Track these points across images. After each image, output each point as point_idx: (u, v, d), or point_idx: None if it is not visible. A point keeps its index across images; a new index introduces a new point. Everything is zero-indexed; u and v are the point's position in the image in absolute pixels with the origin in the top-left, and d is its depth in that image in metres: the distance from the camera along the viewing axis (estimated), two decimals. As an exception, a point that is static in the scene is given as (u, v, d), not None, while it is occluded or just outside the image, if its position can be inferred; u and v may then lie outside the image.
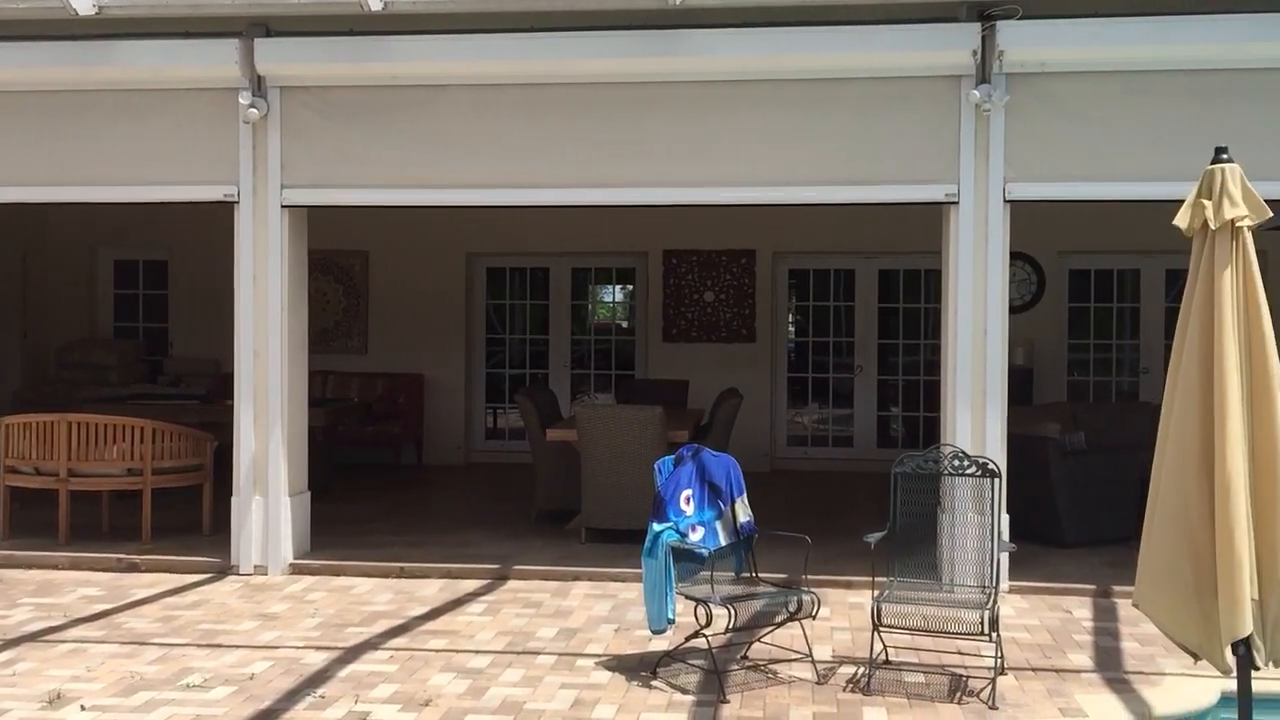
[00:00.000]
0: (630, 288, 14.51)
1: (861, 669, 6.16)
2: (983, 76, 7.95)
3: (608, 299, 15.17)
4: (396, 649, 6.65)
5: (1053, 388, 13.31)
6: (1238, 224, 4.08)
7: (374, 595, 7.86)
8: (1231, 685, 5.76)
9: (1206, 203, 4.13)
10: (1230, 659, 4.02)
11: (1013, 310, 13.23)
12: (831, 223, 12.33)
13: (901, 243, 12.38)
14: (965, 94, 7.99)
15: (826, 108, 8.22)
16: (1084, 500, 9.10)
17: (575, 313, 14.48)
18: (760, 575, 6.62)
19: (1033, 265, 13.29)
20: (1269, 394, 3.99)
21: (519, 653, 6.57)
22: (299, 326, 8.84)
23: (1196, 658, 4.14)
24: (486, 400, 14.39)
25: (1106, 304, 13.59)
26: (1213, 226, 4.10)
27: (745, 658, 6.46)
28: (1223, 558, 3.91)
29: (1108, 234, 12.18)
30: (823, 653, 6.55)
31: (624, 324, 14.66)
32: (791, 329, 14.35)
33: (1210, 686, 5.68)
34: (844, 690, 5.95)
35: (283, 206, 8.51)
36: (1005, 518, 7.85)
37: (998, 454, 7.93)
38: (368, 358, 13.88)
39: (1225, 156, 4.21)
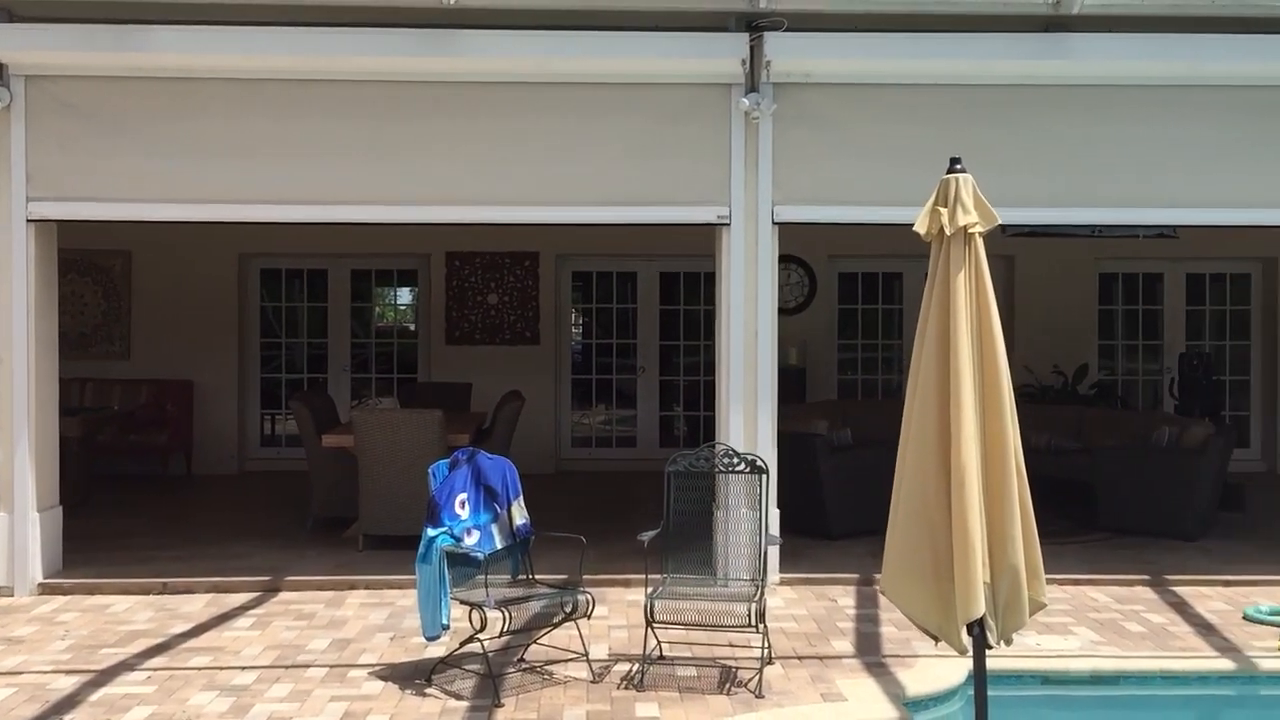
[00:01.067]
0: (414, 289, 14.27)
1: (636, 665, 6.26)
2: (751, 85, 8.21)
3: (390, 301, 14.88)
4: (155, 669, 6.33)
5: (824, 386, 13.86)
6: (970, 230, 4.36)
7: (133, 614, 7.45)
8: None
9: (942, 210, 4.40)
10: (966, 639, 4.28)
11: (786, 312, 13.79)
12: (614, 226, 12.45)
13: (682, 246, 12.60)
14: (735, 102, 8.23)
15: (605, 114, 8.30)
16: (849, 494, 9.51)
17: (358, 315, 14.14)
18: (537, 577, 6.63)
19: (805, 269, 13.80)
20: (998, 391, 4.28)
21: (288, 667, 6.36)
22: (49, 332, 8.30)
23: (937, 640, 4.40)
24: (262, 406, 13.86)
25: (873, 305, 14.25)
26: (948, 232, 4.36)
27: (522, 660, 6.45)
28: (958, 544, 4.16)
29: (873, 239, 12.74)
30: (600, 651, 6.62)
31: (410, 326, 14.42)
32: (577, 331, 14.44)
33: (959, 666, 6.03)
34: (619, 687, 6.03)
35: (28, 220, 7.99)
36: (775, 513, 8.15)
37: (768, 451, 8.20)
38: (131, 363, 13.14)
39: (959, 167, 4.49)
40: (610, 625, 7.19)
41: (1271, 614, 7.34)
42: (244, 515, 10.75)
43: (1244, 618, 7.34)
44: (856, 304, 14.22)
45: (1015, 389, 13.11)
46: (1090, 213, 8.68)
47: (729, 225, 8.26)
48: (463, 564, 6.27)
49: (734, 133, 8.27)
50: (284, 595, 7.90)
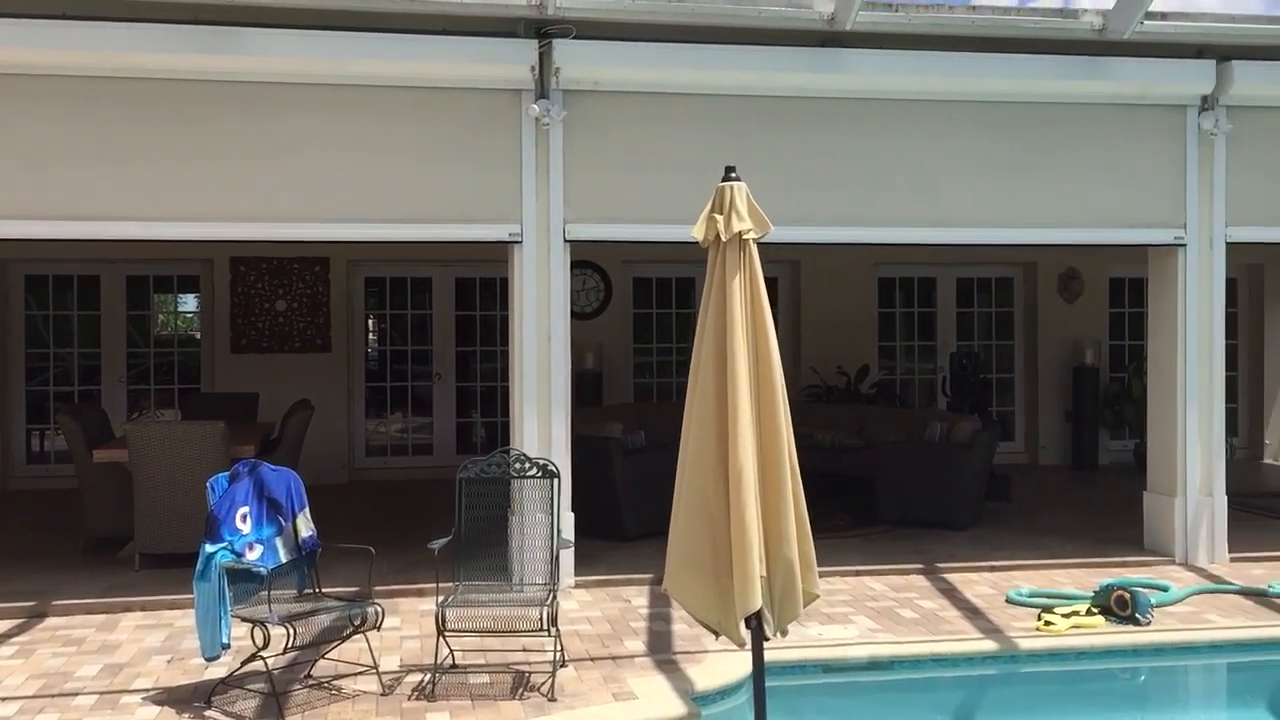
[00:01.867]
0: (197, 296, 13.69)
1: (428, 675, 6.19)
2: (542, 92, 8.25)
3: (171, 309, 14.23)
4: (-99, 706, 5.86)
5: (621, 389, 14.04)
6: (745, 236, 4.51)
7: (-123, 648, 6.88)
8: (767, 656, 6.40)
9: (718, 217, 4.53)
10: (744, 633, 4.43)
11: (582, 317, 13.94)
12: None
13: (478, 252, 12.54)
14: (526, 109, 8.25)
15: (397, 119, 8.17)
16: (644, 495, 9.65)
17: (136, 323, 13.46)
18: (326, 590, 6.47)
19: (600, 274, 13.95)
20: (773, 392, 4.44)
21: (54, 695, 6.00)
22: None
23: (718, 634, 4.52)
24: (28, 421, 13.04)
25: (667, 310, 14.52)
26: (724, 239, 4.50)
27: (309, 676, 6.28)
28: (736, 540, 4.30)
29: (667, 246, 13.01)
30: (391, 663, 6.51)
31: (195, 335, 13.81)
32: (373, 338, 14.16)
33: (746, 659, 6.12)
34: (409, 699, 5.95)
35: None
36: (569, 516, 8.21)
37: (562, 455, 8.26)
38: (-124, 377, 12.16)
39: (734, 175, 4.64)
40: (403, 636, 7.08)
41: (1031, 596, 7.86)
42: (6, 537, 10.05)
43: (1007, 600, 7.84)
44: (651, 308, 14.46)
45: (802, 389, 13.68)
46: (872, 232, 8.96)
47: (520, 243, 8.28)
48: (245, 580, 6.06)
49: (525, 141, 8.28)
50: (51, 621, 7.45)
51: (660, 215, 8.34)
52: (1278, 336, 15.51)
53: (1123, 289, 14.80)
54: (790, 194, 8.49)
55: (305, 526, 6.45)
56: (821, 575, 8.32)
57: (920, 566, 8.79)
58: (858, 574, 8.61)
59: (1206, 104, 8.95)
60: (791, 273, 14.35)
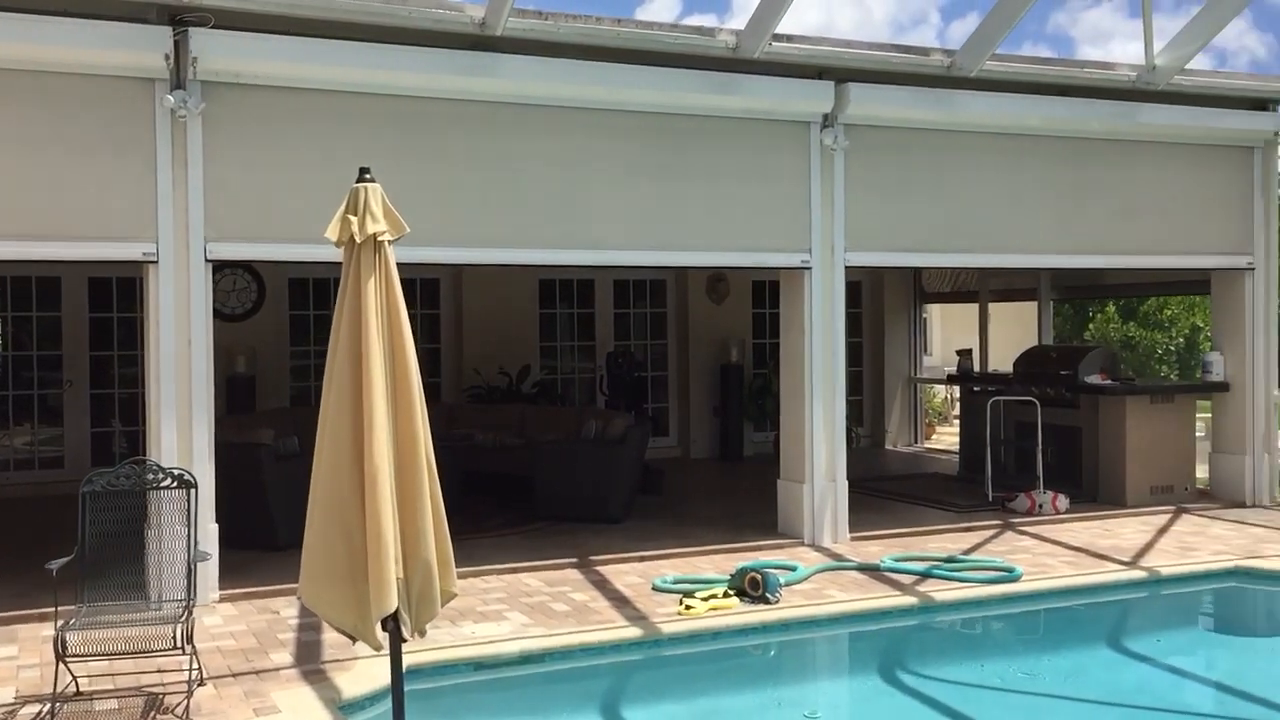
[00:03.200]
0: None
1: (46, 706, 5.73)
2: (178, 82, 7.84)
3: None
4: None
5: (276, 393, 13.54)
6: (379, 238, 4.49)
7: None
8: (418, 658, 6.40)
9: (353, 218, 4.49)
10: (382, 635, 4.41)
11: (233, 319, 13.34)
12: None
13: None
14: (160, 99, 7.81)
15: (14, 106, 7.52)
16: (298, 502, 9.28)
17: None
18: (-76, 622, 5.86)
19: (252, 274, 13.40)
20: (409, 393, 4.44)
21: None
22: None
23: (355, 640, 4.48)
24: None
25: (324, 311, 14.13)
26: (358, 240, 4.47)
27: (-96, 718, 5.67)
28: (371, 543, 4.28)
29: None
30: (6, 695, 5.99)
31: None
32: (-5, 340, 12.93)
33: (396, 662, 6.17)
34: (24, 733, 5.50)
35: None
36: (213, 528, 7.87)
37: (205, 464, 7.89)
38: None
39: (369, 176, 4.61)
40: (20, 665, 6.52)
41: (675, 582, 8.29)
42: None
43: (653, 588, 8.22)
44: (309, 309, 14.04)
45: (464, 390, 13.72)
46: (519, 254, 9.14)
47: (157, 263, 7.84)
48: None
49: (160, 135, 7.84)
50: None
51: (310, 221, 8.09)
52: (897, 336, 17.14)
53: (764, 291, 15.84)
54: (439, 199, 8.53)
55: (-102, 552, 5.81)
56: (478, 574, 8.54)
57: (575, 560, 9.06)
58: (514, 571, 8.76)
59: (827, 121, 9.76)
60: (453, 274, 14.36)
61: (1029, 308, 16.46)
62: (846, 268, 9.93)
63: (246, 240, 8.15)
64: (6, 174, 7.52)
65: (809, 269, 9.78)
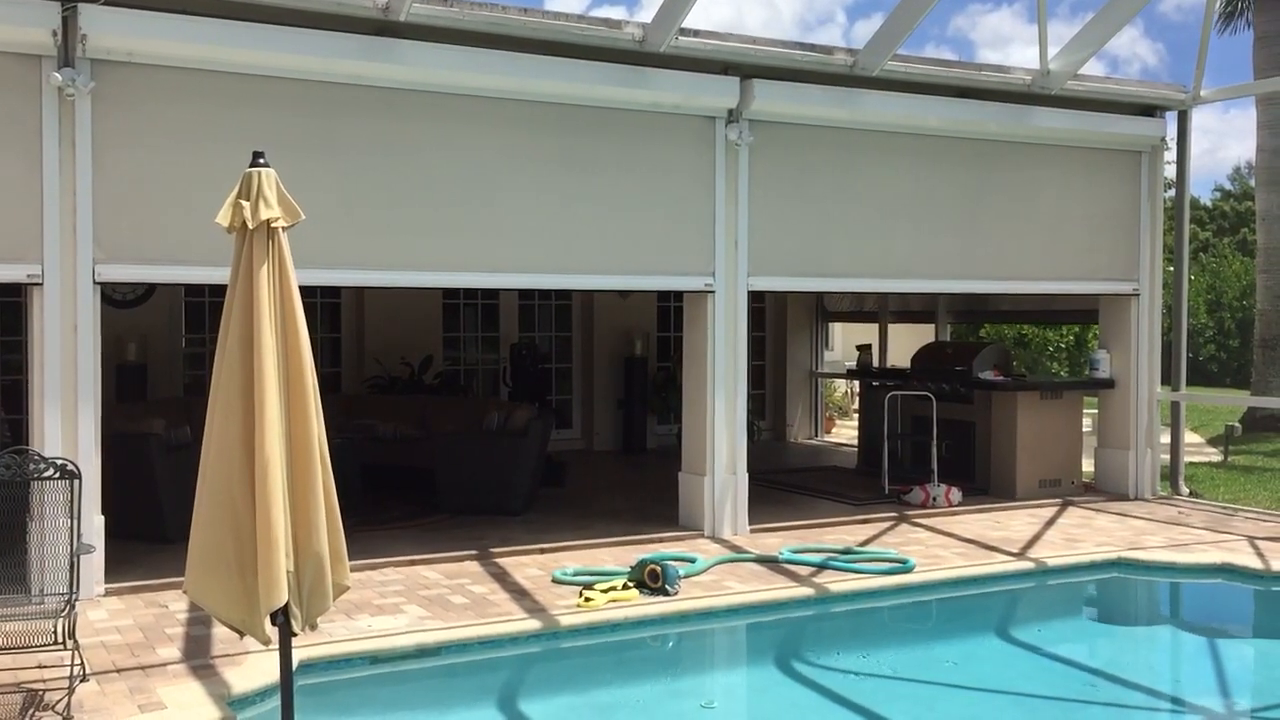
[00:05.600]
0: None
1: (-83, 705, 5.52)
2: (66, 60, 7.58)
3: None
4: None
5: (168, 383, 13.20)
6: (273, 224, 4.40)
7: None
8: (311, 652, 6.30)
9: (245, 204, 4.39)
10: (271, 630, 4.33)
11: (124, 305, 12.96)
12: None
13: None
14: (47, 76, 7.55)
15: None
16: (188, 494, 9.08)
17: None
18: None
19: (145, 259, 13.01)
20: (302, 383, 4.36)
21: None
22: None
23: (243, 634, 4.39)
24: None
25: (220, 298, 13.79)
26: (250, 226, 4.37)
27: None
28: (261, 534, 4.19)
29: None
30: (-127, 695, 5.74)
31: None
32: None
33: (288, 657, 6.06)
34: (-108, 733, 5.28)
35: None
36: (99, 520, 7.65)
37: (91, 454, 7.65)
38: None
39: (262, 161, 4.50)
40: (-111, 664, 6.26)
41: (576, 575, 8.29)
42: None
43: (553, 580, 8.21)
44: (204, 296, 13.69)
45: (365, 380, 13.51)
46: (416, 276, 9.04)
47: (41, 285, 7.58)
48: None
49: (46, 113, 7.58)
50: None
51: (204, 210, 7.89)
52: (799, 332, 17.36)
53: (669, 285, 15.88)
54: (336, 184, 8.39)
55: None
56: (376, 567, 8.43)
57: (475, 553, 9.00)
58: (413, 563, 8.67)
59: (732, 116, 9.83)
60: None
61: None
62: (750, 292, 10.05)
63: (134, 260, 7.93)
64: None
65: (712, 292, 9.87)
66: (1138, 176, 12.08)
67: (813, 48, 10.24)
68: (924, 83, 10.64)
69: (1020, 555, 9.30)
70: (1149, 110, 12.04)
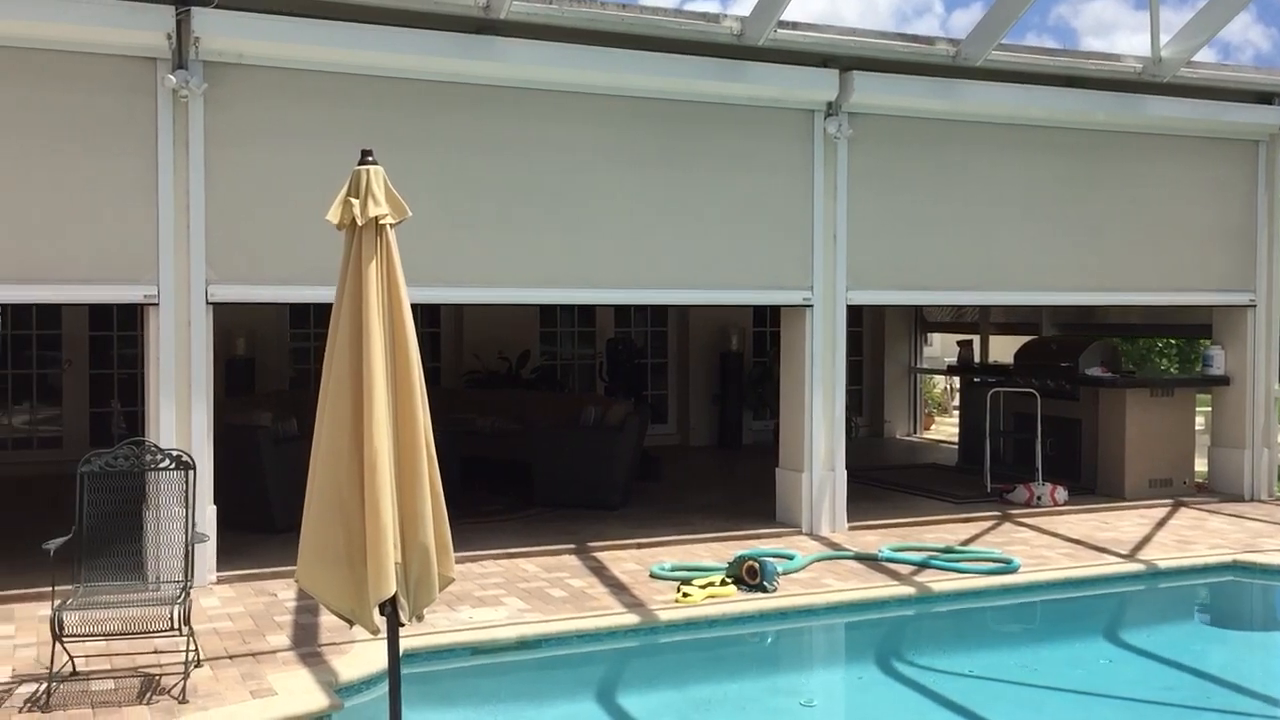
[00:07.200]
0: None
1: (43, 685, 5.73)
2: (180, 62, 7.81)
3: None
4: None
5: (275, 376, 13.52)
6: (381, 221, 4.46)
7: None
8: (414, 642, 6.39)
9: (354, 201, 4.46)
10: (379, 619, 4.40)
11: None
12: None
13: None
14: (162, 78, 7.79)
15: (18, 82, 7.50)
16: (295, 485, 9.27)
17: None
18: (-79, 600, 5.86)
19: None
20: (409, 377, 4.42)
21: None
22: None
23: (352, 624, 4.47)
24: None
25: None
26: (359, 223, 4.44)
27: (-100, 696, 5.67)
28: (370, 527, 4.27)
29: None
30: (3, 673, 5.99)
31: None
32: (-5, 320, 12.90)
33: (393, 646, 6.16)
34: (20, 711, 5.49)
35: None
36: (211, 509, 7.87)
37: (204, 446, 7.88)
38: None
39: (371, 159, 4.57)
40: (17, 645, 6.52)
41: (673, 570, 8.28)
42: None
43: (650, 575, 8.22)
44: (308, 292, 13.98)
45: (463, 375, 13.70)
46: (519, 292, 9.17)
47: (157, 305, 7.82)
48: None
49: (161, 114, 7.81)
50: None
51: (316, 214, 8.10)
52: (899, 323, 17.12)
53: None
54: (434, 184, 8.48)
55: (-105, 530, 5.81)
56: (475, 559, 8.53)
57: (572, 546, 9.05)
58: (511, 556, 8.75)
59: (831, 109, 9.73)
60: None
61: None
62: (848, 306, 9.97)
63: (248, 283, 8.15)
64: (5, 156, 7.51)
65: (810, 306, 9.79)
66: (1255, 166, 11.64)
67: (914, 38, 10.07)
68: (1029, 72, 10.40)
69: (1130, 557, 9.04)
70: (1267, 98, 11.59)
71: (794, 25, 9.46)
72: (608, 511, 10.39)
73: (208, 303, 7.94)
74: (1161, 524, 10.39)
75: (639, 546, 9.13)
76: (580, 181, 9.03)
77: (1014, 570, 8.43)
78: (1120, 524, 10.38)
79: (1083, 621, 8.27)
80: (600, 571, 8.39)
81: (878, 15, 79.53)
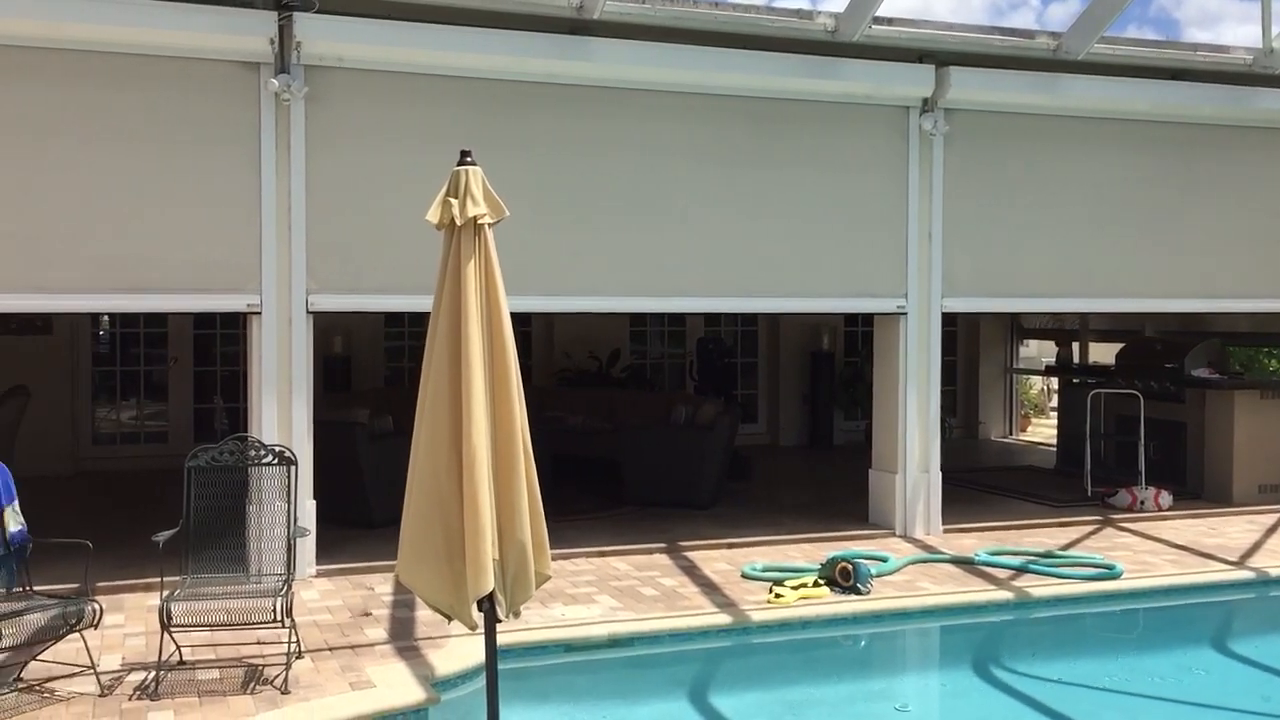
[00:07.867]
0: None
1: (151, 674, 5.90)
2: (282, 67, 7.98)
3: None
4: None
5: (371, 374, 13.76)
6: (480, 221, 4.50)
7: None
8: (509, 639, 6.45)
9: (453, 201, 4.51)
10: (477, 615, 4.44)
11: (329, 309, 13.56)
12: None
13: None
14: (265, 83, 7.97)
15: (130, 87, 7.74)
16: (391, 481, 9.41)
17: None
18: (40, 588, 6.08)
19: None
20: (506, 376, 4.46)
21: None
22: None
23: (450, 619, 4.52)
24: None
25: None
26: (458, 223, 4.49)
27: (19, 679, 5.88)
28: (469, 524, 4.31)
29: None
30: (113, 662, 6.19)
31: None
32: (104, 319, 13.32)
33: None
34: (130, 699, 5.66)
35: None
36: (310, 504, 8.02)
37: (304, 441, 8.04)
38: None
39: (470, 159, 4.62)
40: (126, 634, 6.73)
41: (765, 570, 8.23)
42: None
43: (742, 575, 8.18)
44: (403, 291, 14.20)
45: (554, 374, 13.74)
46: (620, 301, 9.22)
47: (260, 314, 8.02)
48: (-56, 580, 5.61)
49: (264, 117, 7.99)
50: None
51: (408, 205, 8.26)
52: (994, 326, 16.79)
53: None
54: (533, 199, 8.51)
55: (14, 520, 6.05)
56: (567, 557, 8.57)
57: (663, 545, 9.05)
58: (603, 554, 8.78)
59: (927, 106, 9.58)
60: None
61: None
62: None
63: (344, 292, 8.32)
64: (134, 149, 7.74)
65: (904, 314, 9.67)
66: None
67: (1012, 32, 9.87)
68: (1132, 65, 10.11)
69: (1239, 564, 8.75)
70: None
71: (889, 21, 9.33)
72: (698, 511, 10.37)
73: (308, 312, 8.11)
74: (1272, 530, 10.03)
75: (730, 546, 9.10)
76: (669, 183, 9.03)
77: (1116, 576, 8.21)
78: (1228, 530, 10.05)
79: (1188, 630, 8.02)
80: (691, 571, 8.37)
81: (970, 10, 78.08)
